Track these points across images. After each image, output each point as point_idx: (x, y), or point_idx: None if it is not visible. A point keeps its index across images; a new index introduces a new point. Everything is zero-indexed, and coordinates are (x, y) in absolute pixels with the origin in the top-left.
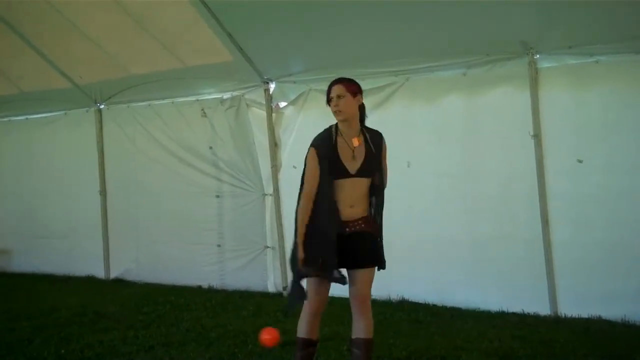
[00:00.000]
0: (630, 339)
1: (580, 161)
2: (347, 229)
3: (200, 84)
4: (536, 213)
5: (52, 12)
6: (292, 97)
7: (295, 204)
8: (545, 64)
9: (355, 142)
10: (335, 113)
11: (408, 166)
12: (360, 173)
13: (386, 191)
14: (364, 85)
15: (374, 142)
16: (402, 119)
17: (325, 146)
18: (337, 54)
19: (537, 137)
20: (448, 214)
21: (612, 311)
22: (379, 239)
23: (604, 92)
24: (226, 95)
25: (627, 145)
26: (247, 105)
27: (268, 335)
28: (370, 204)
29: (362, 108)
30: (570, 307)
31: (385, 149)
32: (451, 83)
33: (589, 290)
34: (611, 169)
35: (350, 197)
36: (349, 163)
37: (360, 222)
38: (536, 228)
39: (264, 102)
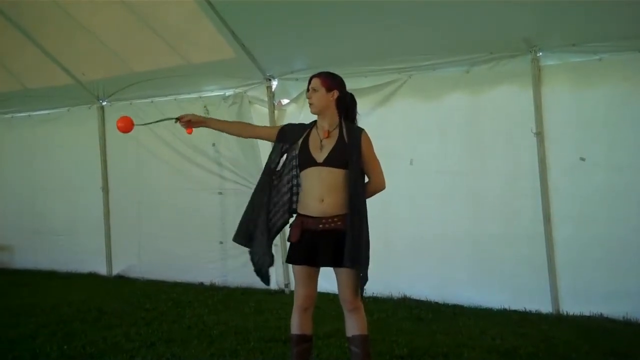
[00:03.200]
0: (631, 337)
1: (583, 159)
2: (320, 226)
3: (203, 80)
4: (538, 211)
5: (55, 8)
6: (295, 95)
7: None
8: (548, 61)
9: (325, 133)
10: (309, 105)
11: (411, 164)
12: (327, 162)
13: (389, 188)
14: (366, 83)
15: (352, 136)
16: (404, 117)
17: (292, 129)
18: (340, 51)
19: (539, 134)
20: (450, 211)
21: (613, 309)
22: (356, 238)
23: (607, 90)
24: (228, 92)
25: (629, 143)
26: (250, 102)
27: (121, 123)
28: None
29: (344, 103)
30: (572, 305)
31: (369, 144)
32: (454, 81)
33: (590, 288)
34: (614, 166)
35: (319, 189)
36: (316, 152)
37: (335, 219)
38: (538, 226)
39: (267, 99)
